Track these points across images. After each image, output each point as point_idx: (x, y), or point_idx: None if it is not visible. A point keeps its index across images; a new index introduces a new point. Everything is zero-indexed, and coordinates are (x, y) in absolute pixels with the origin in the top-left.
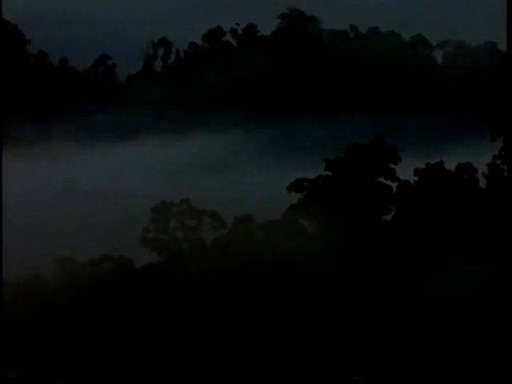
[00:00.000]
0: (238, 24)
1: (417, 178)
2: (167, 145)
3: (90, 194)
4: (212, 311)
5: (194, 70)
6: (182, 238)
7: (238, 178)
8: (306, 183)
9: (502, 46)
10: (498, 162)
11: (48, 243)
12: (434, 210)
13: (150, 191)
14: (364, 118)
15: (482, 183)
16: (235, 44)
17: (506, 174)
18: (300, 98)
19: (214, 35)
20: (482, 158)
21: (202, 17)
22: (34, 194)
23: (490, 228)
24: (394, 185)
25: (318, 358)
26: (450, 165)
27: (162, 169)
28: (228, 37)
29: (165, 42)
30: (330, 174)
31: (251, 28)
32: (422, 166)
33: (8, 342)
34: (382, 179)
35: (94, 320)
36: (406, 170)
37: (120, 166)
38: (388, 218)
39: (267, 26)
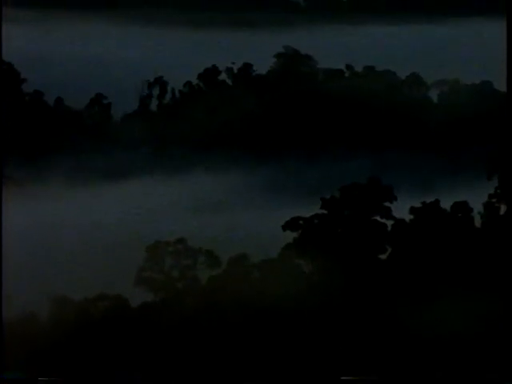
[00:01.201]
0: (233, 63)
1: (412, 217)
2: (163, 184)
3: (87, 232)
4: (208, 350)
5: (189, 109)
6: (178, 277)
7: (234, 217)
8: (301, 222)
9: (498, 85)
10: (494, 200)
11: (44, 281)
12: (430, 248)
13: (146, 230)
14: (360, 156)
15: (478, 222)
16: (231, 83)
17: (501, 212)
18: (296, 137)
19: (210, 74)
20: (477, 196)
21: (197, 56)
22: (30, 233)
23: (486, 267)
24: (390, 223)
25: None
26: (446, 203)
27: (158, 208)
28: (223, 76)
29: (160, 82)
30: (325, 212)
31: (247, 67)
32: (417, 204)
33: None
34: (377, 218)
35: (89, 359)
36: (402, 208)
37: (116, 205)
38: (383, 256)
39: (263, 65)
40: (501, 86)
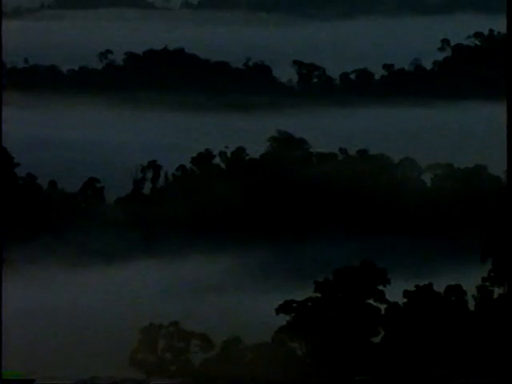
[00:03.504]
0: (226, 147)
1: (406, 300)
2: (156, 267)
3: (81, 314)
4: None
5: (183, 192)
6: (171, 360)
7: (227, 300)
8: (294, 305)
9: (492, 170)
10: (488, 284)
11: (37, 363)
12: (423, 332)
13: (139, 313)
14: (353, 240)
15: (472, 305)
16: (224, 167)
17: (495, 296)
18: (289, 220)
19: (203, 158)
20: (471, 280)
21: (191, 140)
22: (24, 315)
23: (480, 350)
24: (383, 307)
25: None
26: (439, 287)
27: (151, 290)
28: (217, 160)
29: (154, 165)
30: (319, 295)
31: (240, 151)
32: (411, 287)
33: None
34: (371, 301)
35: None
36: (395, 291)
37: (110, 288)
38: (377, 339)
39: (256, 148)
40: (495, 169)
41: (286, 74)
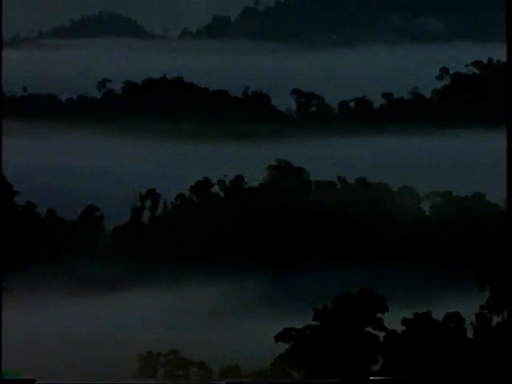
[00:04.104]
0: (225, 175)
1: (404, 328)
2: (154, 295)
3: (79, 341)
4: None
5: (181, 221)
6: None
7: (226, 328)
8: (293, 333)
9: (491, 198)
10: (486, 311)
11: None
12: (422, 359)
13: (138, 340)
14: (352, 267)
15: (470, 333)
16: (223, 195)
17: (494, 323)
18: (288, 248)
19: (202, 187)
20: (469, 307)
21: (190, 168)
22: (24, 342)
23: (480, 378)
24: (382, 334)
25: None
26: (438, 314)
27: (149, 318)
28: (216, 188)
29: (152, 194)
30: (317, 323)
31: (239, 179)
32: (409, 315)
33: None
34: (370, 329)
35: None
36: (394, 319)
37: (109, 316)
38: (375, 367)
39: (255, 177)
40: (493, 197)
41: (284, 102)
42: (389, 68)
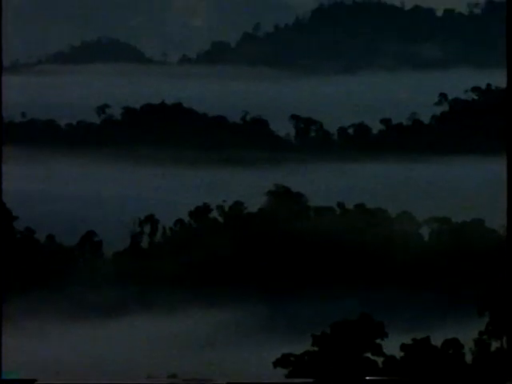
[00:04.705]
0: (224, 201)
1: (403, 354)
2: (153, 321)
3: (76, 366)
4: None
5: (180, 246)
6: None
7: (224, 354)
8: (292, 358)
9: (489, 224)
10: (485, 337)
11: None
12: None
13: (136, 365)
14: (351, 294)
15: (469, 359)
16: (222, 221)
17: (492, 349)
18: (287, 274)
19: (201, 212)
20: (468, 333)
21: (188, 194)
22: (23, 367)
23: None
24: (380, 360)
25: None
26: (437, 340)
27: (148, 344)
28: (215, 213)
29: (151, 219)
30: (316, 349)
31: (238, 205)
32: (408, 341)
33: None
34: (368, 355)
35: None
36: (393, 345)
37: (108, 342)
38: None
39: (254, 202)
40: (492, 223)
41: (283, 128)
42: (387, 94)
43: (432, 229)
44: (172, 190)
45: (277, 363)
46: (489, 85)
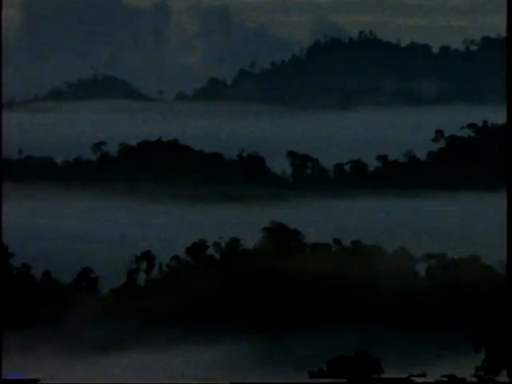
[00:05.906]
0: (220, 237)
1: None
2: (151, 358)
3: None
4: None
5: (176, 283)
6: None
7: None
8: None
9: (486, 260)
10: (481, 373)
11: None
12: None
13: None
14: (347, 330)
15: None
16: (218, 257)
17: None
18: (283, 311)
19: (197, 248)
20: (465, 368)
21: (185, 230)
22: None
23: None
24: None
25: None
26: (433, 376)
27: (146, 381)
28: (211, 250)
29: (148, 256)
30: None
31: (234, 241)
32: (404, 376)
33: None
34: None
35: None
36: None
37: (104, 378)
38: None
39: (250, 239)
40: (489, 260)
41: (279, 165)
42: (384, 130)
43: (428, 265)
44: (168, 226)
45: None
46: (485, 121)
